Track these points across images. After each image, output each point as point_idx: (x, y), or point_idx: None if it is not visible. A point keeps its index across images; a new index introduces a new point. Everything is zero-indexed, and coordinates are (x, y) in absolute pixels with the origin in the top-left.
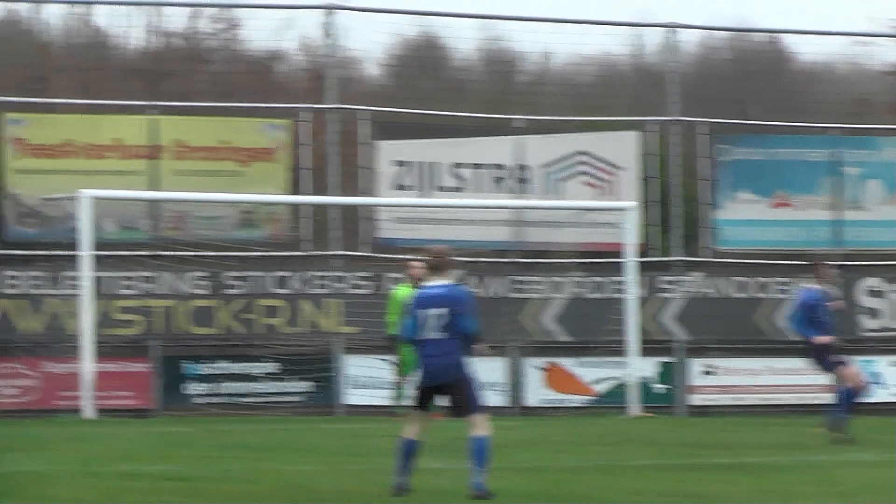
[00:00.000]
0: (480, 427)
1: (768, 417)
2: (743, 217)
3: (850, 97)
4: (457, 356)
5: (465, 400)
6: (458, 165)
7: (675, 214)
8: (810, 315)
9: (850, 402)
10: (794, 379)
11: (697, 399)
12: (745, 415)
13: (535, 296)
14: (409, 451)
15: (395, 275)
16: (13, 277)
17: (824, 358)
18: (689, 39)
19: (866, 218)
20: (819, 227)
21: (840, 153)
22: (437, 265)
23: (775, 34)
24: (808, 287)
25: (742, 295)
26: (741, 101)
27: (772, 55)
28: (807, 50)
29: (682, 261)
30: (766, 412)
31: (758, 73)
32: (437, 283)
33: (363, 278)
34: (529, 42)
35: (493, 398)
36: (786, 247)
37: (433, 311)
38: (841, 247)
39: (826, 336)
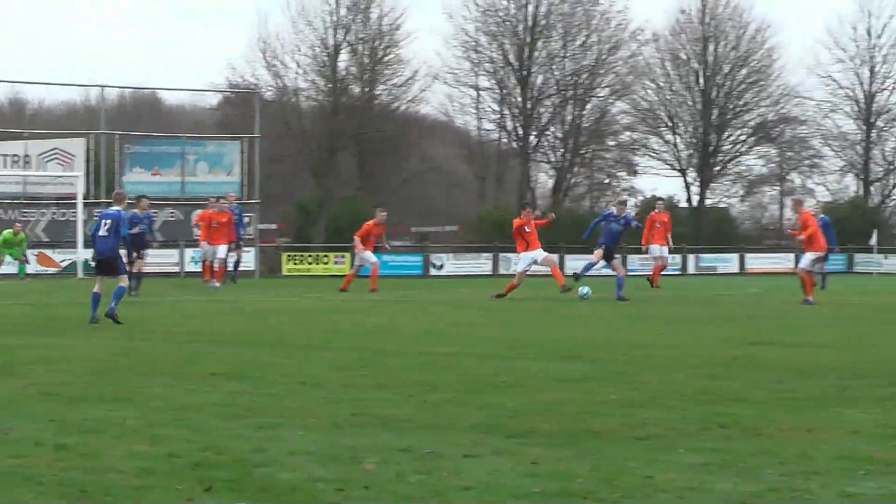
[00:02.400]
0: (122, 281)
1: None
2: (137, 180)
3: (192, 120)
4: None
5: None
6: None
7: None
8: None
9: None
10: None
11: None
12: None
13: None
14: (96, 299)
15: None
16: None
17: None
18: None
19: (199, 181)
20: (175, 185)
21: (185, 148)
22: (116, 200)
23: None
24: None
25: None
26: (138, 123)
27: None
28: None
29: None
30: None
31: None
32: (115, 209)
33: None
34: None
35: None
36: (160, 193)
37: (109, 222)
38: (185, 195)
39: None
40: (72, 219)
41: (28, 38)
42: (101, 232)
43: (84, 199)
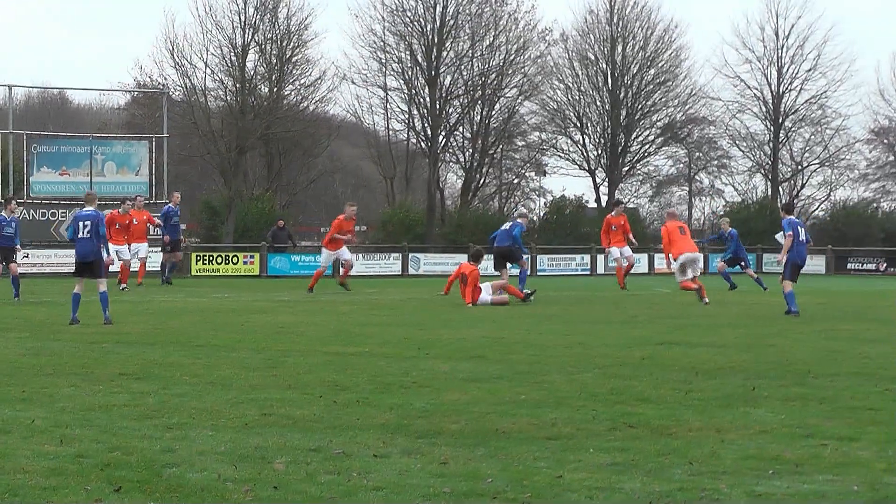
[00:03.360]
0: (102, 286)
1: None
2: (45, 180)
3: (100, 120)
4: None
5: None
6: None
7: (9, 179)
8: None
9: None
10: None
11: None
12: None
13: None
14: (77, 299)
15: None
16: None
17: None
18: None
19: (107, 181)
20: (83, 185)
21: (93, 148)
22: (87, 200)
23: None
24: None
25: (46, 218)
26: (42, 123)
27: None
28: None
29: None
30: None
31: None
32: (88, 209)
33: None
34: None
35: None
36: (67, 193)
37: (88, 223)
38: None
39: None
40: None
41: None
42: (82, 234)
43: None
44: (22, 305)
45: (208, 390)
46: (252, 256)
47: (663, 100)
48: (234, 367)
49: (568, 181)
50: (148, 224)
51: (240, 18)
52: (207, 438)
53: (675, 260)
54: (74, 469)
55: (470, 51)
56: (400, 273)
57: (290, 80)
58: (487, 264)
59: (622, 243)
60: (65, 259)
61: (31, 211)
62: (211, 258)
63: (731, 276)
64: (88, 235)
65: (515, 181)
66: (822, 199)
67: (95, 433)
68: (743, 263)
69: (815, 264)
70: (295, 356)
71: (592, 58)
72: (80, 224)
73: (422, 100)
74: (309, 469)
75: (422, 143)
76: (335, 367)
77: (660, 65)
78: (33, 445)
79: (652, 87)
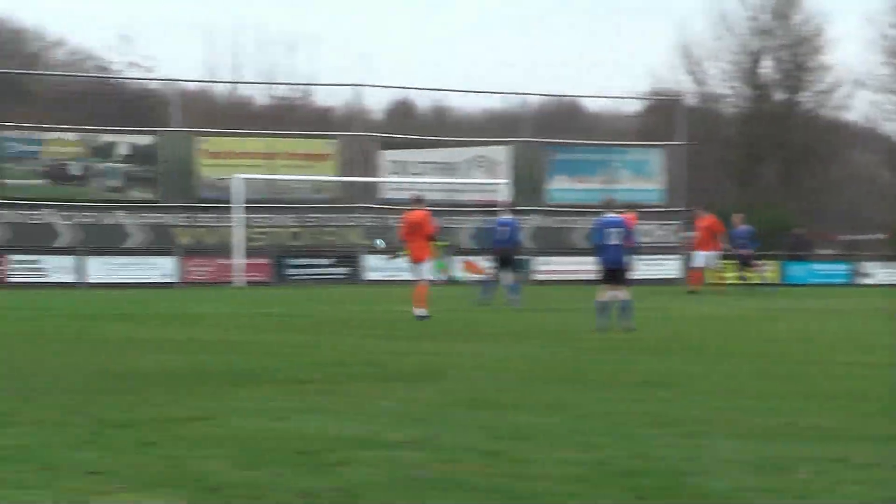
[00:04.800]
0: (624, 293)
1: None
2: (561, 187)
3: (614, 128)
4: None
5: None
6: (422, 163)
7: (526, 186)
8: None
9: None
10: None
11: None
12: None
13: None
14: (602, 307)
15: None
16: (202, 217)
17: None
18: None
19: (622, 187)
20: (599, 192)
21: (609, 156)
22: (609, 205)
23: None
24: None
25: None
26: (559, 131)
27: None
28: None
29: (531, 209)
30: None
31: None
32: (611, 215)
33: (372, 218)
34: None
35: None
36: (583, 201)
37: (614, 230)
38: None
39: None
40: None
41: (449, 48)
42: (610, 240)
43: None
44: (533, 312)
45: (726, 399)
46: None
47: None
48: (749, 376)
49: None
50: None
51: (753, 24)
52: (727, 447)
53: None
54: (596, 476)
55: None
56: None
57: (805, 87)
58: None
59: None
60: (579, 266)
61: (547, 218)
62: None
63: None
64: (617, 242)
65: None
66: None
67: (617, 440)
68: None
69: None
70: (808, 365)
71: None
72: (608, 230)
73: None
74: (832, 479)
75: None
76: (854, 377)
77: None
78: (555, 452)
79: None
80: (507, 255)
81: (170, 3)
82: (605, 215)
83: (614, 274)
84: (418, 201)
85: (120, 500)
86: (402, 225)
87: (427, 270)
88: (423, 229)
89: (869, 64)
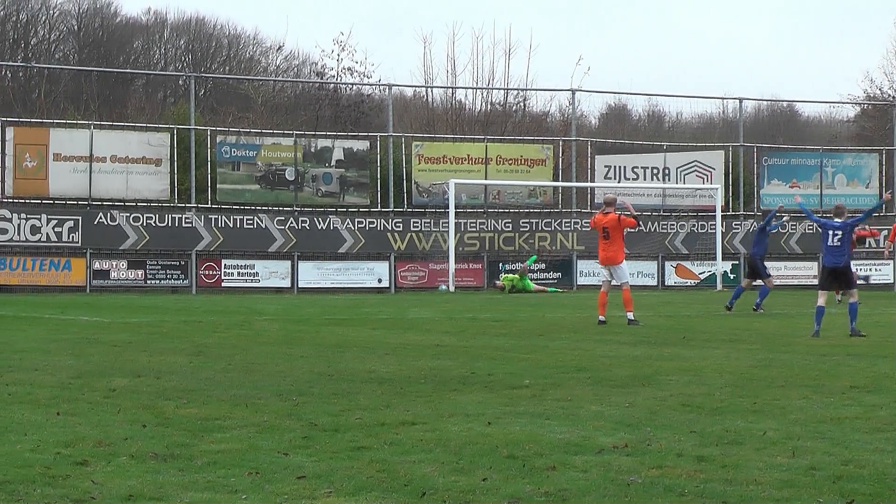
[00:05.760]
0: (853, 296)
1: None
2: (774, 192)
3: (829, 132)
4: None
5: (848, 280)
6: (634, 168)
7: (739, 192)
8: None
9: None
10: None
11: None
12: None
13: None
14: (821, 312)
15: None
16: (416, 222)
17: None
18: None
19: (837, 193)
20: (813, 198)
21: (823, 161)
22: (837, 213)
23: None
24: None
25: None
26: (773, 136)
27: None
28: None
29: (743, 214)
30: None
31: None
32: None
33: (585, 223)
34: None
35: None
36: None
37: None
38: (823, 208)
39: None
40: (710, 231)
41: (660, 51)
42: (832, 242)
43: (722, 211)
44: (756, 317)
45: None
46: None
47: None
48: None
49: None
50: None
51: None
52: None
53: None
54: (806, 481)
55: None
56: None
57: None
58: None
59: None
60: (795, 272)
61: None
62: None
63: None
64: (839, 244)
65: None
66: None
67: (827, 445)
68: None
69: None
70: None
71: None
72: (831, 233)
73: None
74: None
75: None
76: None
77: None
78: (765, 457)
79: None
80: (753, 261)
81: (387, 9)
82: (833, 219)
83: (836, 276)
84: (610, 204)
85: None
86: (594, 227)
87: (626, 273)
88: (619, 231)
89: None
